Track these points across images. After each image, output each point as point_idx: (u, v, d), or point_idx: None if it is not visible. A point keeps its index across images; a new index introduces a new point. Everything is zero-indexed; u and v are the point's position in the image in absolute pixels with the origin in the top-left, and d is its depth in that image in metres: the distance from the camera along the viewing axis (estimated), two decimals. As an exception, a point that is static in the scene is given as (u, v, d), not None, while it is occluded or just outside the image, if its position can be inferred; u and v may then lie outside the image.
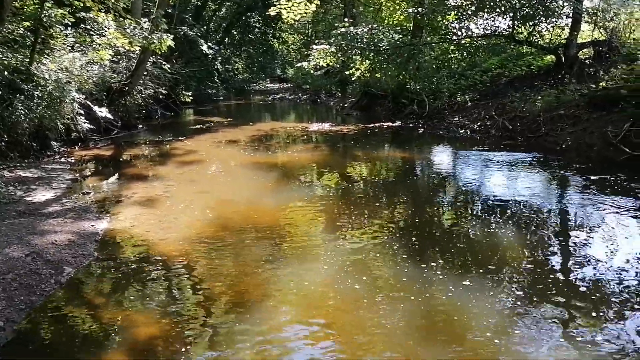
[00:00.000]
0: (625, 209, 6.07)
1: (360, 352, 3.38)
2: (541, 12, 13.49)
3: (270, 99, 28.16)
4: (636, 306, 3.82)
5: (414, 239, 5.36)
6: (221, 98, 26.90)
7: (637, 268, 4.50)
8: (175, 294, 4.38)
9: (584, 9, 13.29)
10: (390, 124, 14.89)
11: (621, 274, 4.37)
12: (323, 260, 4.87)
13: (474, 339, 3.45)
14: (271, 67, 39.93)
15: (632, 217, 5.84)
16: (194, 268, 4.82)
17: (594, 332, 3.50)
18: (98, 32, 12.54)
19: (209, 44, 23.53)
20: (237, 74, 34.15)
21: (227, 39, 31.25)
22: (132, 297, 4.27)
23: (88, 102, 12.34)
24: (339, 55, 16.52)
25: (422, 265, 4.62)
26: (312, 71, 25.73)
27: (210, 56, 24.03)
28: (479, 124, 12.81)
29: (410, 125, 14.43)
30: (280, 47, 38.15)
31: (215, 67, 27.16)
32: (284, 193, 7.53)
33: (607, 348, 3.30)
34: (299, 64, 27.03)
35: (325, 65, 18.67)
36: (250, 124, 16.34)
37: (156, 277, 4.66)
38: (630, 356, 3.21)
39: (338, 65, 21.09)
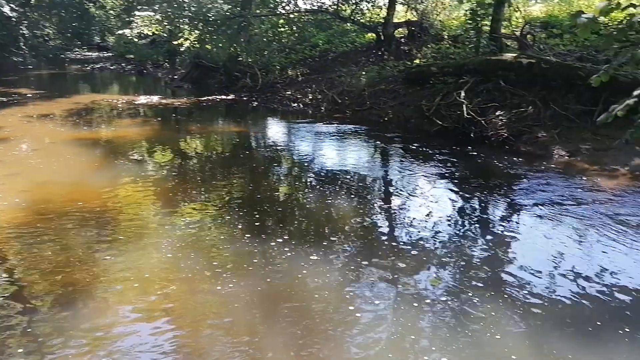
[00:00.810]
0: (435, 175, 6.83)
1: (205, 339, 3.29)
2: (362, -9, 14.29)
3: (89, 68, 25.68)
4: (449, 259, 4.33)
5: (255, 214, 5.37)
6: (30, 67, 23.82)
7: (447, 226, 5.11)
8: (-16, 293, 3.81)
9: (398, -9, 14.41)
10: (224, 97, 14.65)
11: (436, 233, 4.92)
12: (160, 242, 4.64)
13: (328, 313, 3.55)
14: (88, 34, 36.29)
15: (441, 182, 6.59)
16: (6, 261, 4.26)
17: (420, 287, 3.88)
18: None
19: (12, 5, 20.50)
20: (48, 41, 30.41)
21: (33, 0, 27.59)
22: None
23: None
24: (165, 23, 15.66)
25: (271, 243, 4.63)
26: (136, 40, 24.04)
27: (14, 19, 21.00)
28: (310, 97, 13.24)
29: (244, 98, 14.37)
30: (98, 12, 34.81)
31: (21, 32, 23.85)
32: (112, 171, 6.99)
33: (428, 299, 3.68)
34: (120, 32, 25.02)
35: (150, 33, 17.57)
36: (67, 96, 14.77)
37: (-42, 276, 4.01)
38: (444, 305, 3.63)
39: (165, 35, 20.01)
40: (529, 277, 3.98)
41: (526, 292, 3.76)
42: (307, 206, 5.75)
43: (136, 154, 8.28)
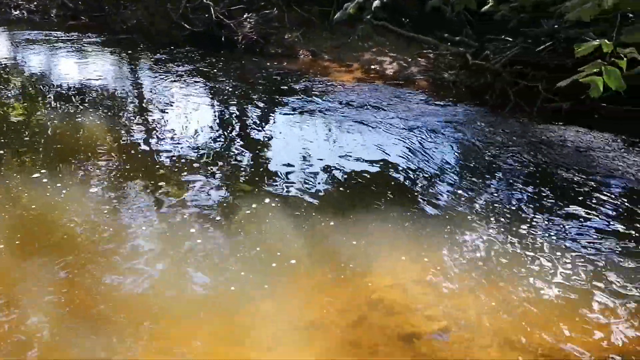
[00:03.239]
0: (189, 83, 6.68)
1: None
2: None
3: None
4: (214, 164, 4.40)
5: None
6: None
7: (208, 134, 5.14)
8: None
9: None
10: None
11: (197, 141, 4.90)
12: None
13: (97, 245, 3.29)
14: None
15: (196, 90, 6.48)
16: None
17: (190, 197, 3.87)
18: None
19: None
20: None
21: None
22: None
23: None
24: None
25: (13, 177, 4.02)
26: None
27: None
28: (35, 3, 11.36)
29: (-57, 5, 11.59)
30: None
31: None
32: None
33: (197, 207, 3.72)
34: None
35: None
36: None
37: None
38: (214, 209, 3.73)
39: None
40: (288, 171, 4.31)
41: (287, 185, 4.08)
42: (52, 130, 5.10)
43: None
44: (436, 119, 5.47)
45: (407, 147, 4.82)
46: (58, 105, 5.86)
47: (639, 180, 4.18)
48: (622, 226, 3.48)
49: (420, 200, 3.91)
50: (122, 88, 6.55)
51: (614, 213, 3.68)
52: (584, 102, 5.23)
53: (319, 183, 4.13)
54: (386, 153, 4.69)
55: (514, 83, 5.90)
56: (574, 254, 3.17)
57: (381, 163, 4.51)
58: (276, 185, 4.09)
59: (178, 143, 4.86)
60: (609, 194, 3.93)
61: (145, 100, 6.24)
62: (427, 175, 4.32)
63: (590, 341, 2.51)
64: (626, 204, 3.83)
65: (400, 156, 4.64)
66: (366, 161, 4.54)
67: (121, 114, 5.63)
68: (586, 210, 3.68)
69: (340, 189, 4.07)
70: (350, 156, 4.62)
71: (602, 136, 4.99)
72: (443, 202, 3.87)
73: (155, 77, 7.04)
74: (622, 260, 3.10)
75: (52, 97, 6.20)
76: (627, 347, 2.48)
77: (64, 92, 6.31)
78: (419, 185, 4.17)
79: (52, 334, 2.52)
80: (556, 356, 2.42)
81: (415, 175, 4.32)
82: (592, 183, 4.10)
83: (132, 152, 4.66)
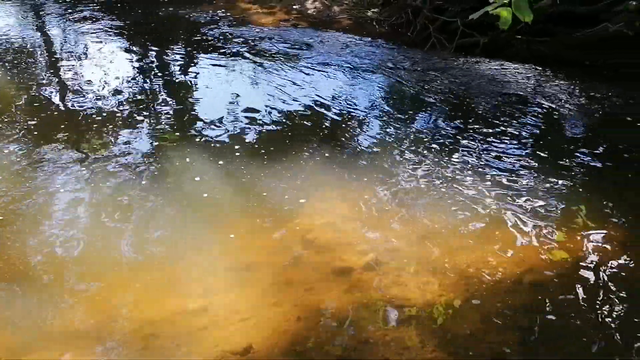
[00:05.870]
0: (102, 30, 6.25)
1: None
2: None
3: None
4: (139, 114, 4.23)
5: None
6: None
7: (129, 84, 4.90)
8: None
9: None
10: None
11: (118, 92, 4.67)
12: None
13: (18, 203, 3.15)
14: None
15: (111, 38, 6.08)
16: None
17: (116, 150, 3.70)
18: None
19: None
20: None
21: None
22: None
23: None
24: None
25: None
26: None
27: None
28: None
29: None
30: None
31: None
32: None
33: (122, 157, 3.58)
34: None
35: None
36: None
37: None
38: (141, 158, 3.62)
39: None
40: (213, 118, 4.22)
41: (214, 131, 4.01)
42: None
43: None
44: (359, 58, 5.49)
45: (332, 88, 4.84)
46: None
47: (553, 108, 4.44)
48: (539, 153, 3.72)
49: (348, 139, 3.98)
50: (28, 39, 6.02)
51: (530, 143, 3.91)
52: (500, 35, 5.41)
53: (246, 128, 4.09)
54: (312, 95, 4.69)
55: (434, 19, 5.97)
56: (493, 183, 3.36)
57: (307, 104, 4.52)
58: (203, 132, 4.03)
59: (97, 95, 4.60)
60: (525, 124, 4.17)
61: (56, 52, 5.79)
62: (353, 115, 4.38)
63: (507, 262, 2.72)
64: (541, 133, 4.09)
65: (326, 96, 4.66)
66: (292, 103, 4.53)
67: (31, 67, 5.21)
68: (504, 141, 3.89)
69: (269, 133, 4.06)
70: (276, 99, 4.59)
71: (518, 68, 5.21)
72: (370, 140, 3.97)
73: (64, 25, 6.49)
74: (537, 187, 3.32)
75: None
76: (540, 266, 2.72)
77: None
78: (346, 124, 4.23)
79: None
80: (478, 277, 2.61)
81: (342, 115, 4.36)
82: (510, 114, 4.31)
83: (49, 107, 4.37)
